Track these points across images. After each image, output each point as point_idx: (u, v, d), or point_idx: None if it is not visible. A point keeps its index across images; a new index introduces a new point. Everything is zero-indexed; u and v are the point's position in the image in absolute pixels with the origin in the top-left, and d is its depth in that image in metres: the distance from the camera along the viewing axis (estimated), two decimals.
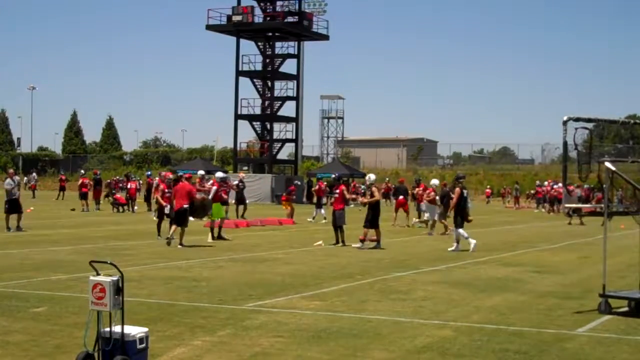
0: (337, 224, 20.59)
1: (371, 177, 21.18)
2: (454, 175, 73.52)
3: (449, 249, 19.29)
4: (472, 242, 19.11)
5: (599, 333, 9.32)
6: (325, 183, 37.47)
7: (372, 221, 19.59)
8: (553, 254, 19.40)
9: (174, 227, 19.35)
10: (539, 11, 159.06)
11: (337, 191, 21.51)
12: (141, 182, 45.75)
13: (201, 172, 24.99)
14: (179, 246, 18.84)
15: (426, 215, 27.31)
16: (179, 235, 19.17)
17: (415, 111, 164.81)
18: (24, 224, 23.62)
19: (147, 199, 38.08)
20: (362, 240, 20.33)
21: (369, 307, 10.86)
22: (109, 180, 46.77)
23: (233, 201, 30.42)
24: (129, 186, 38.64)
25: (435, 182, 27.37)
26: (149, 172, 43.82)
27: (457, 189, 20.06)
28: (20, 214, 23.51)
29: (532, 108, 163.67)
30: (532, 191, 53.36)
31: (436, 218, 25.66)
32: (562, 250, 20.57)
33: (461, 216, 19.56)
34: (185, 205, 19.34)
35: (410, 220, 29.16)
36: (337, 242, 20.35)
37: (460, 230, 19.40)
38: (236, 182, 31.87)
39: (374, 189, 20.20)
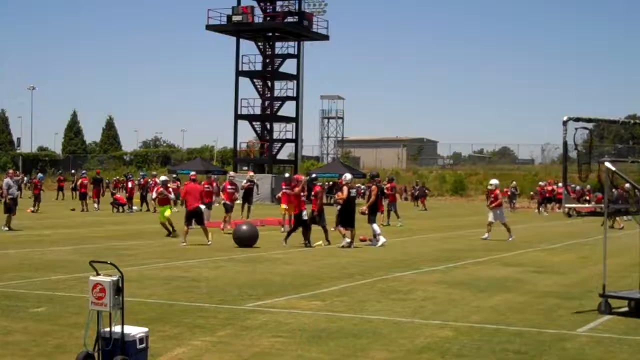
0: (317, 223, 20.83)
1: (347, 176, 21.25)
2: (454, 175, 74.05)
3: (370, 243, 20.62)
4: (382, 240, 20.37)
5: (599, 333, 9.32)
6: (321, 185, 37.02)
7: (345, 220, 20.01)
8: (553, 254, 19.39)
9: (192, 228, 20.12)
10: (539, 11, 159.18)
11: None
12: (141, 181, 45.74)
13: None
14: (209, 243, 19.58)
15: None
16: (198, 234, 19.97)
17: (415, 111, 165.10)
18: (21, 224, 23.70)
19: (144, 198, 38.16)
20: (363, 240, 20.71)
21: (369, 307, 10.86)
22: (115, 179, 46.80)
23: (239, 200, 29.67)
24: (129, 186, 38.74)
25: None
26: (144, 173, 43.96)
27: (374, 187, 21.20)
28: (13, 214, 23.67)
29: (532, 108, 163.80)
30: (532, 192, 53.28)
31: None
32: (562, 250, 20.57)
33: (374, 212, 20.89)
34: (202, 206, 20.30)
35: (384, 220, 29.23)
36: (327, 241, 20.51)
37: (375, 226, 20.73)
38: (244, 182, 30.16)
39: (345, 188, 20.44)
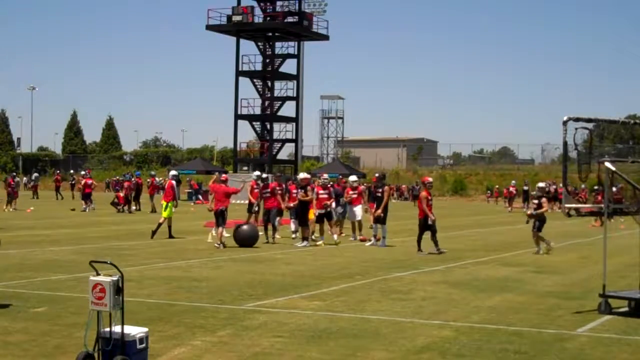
0: (271, 222, 21.20)
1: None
2: (454, 175, 74.07)
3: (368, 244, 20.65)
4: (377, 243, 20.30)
5: (599, 333, 9.32)
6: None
7: (300, 218, 20.74)
8: (553, 254, 19.37)
9: (220, 229, 19.39)
10: (539, 11, 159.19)
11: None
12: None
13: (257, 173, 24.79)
14: (218, 245, 19.09)
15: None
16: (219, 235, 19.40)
17: (415, 111, 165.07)
18: (21, 224, 23.71)
19: (137, 198, 38.13)
20: (363, 240, 20.81)
21: (369, 307, 10.86)
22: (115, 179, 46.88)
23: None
24: (126, 186, 38.74)
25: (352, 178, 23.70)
26: (138, 173, 44.14)
27: (387, 188, 21.10)
28: None
29: (532, 108, 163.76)
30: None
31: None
32: (562, 250, 20.55)
33: (386, 214, 20.50)
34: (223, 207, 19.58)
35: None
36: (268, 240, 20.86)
37: (384, 228, 20.52)
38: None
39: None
